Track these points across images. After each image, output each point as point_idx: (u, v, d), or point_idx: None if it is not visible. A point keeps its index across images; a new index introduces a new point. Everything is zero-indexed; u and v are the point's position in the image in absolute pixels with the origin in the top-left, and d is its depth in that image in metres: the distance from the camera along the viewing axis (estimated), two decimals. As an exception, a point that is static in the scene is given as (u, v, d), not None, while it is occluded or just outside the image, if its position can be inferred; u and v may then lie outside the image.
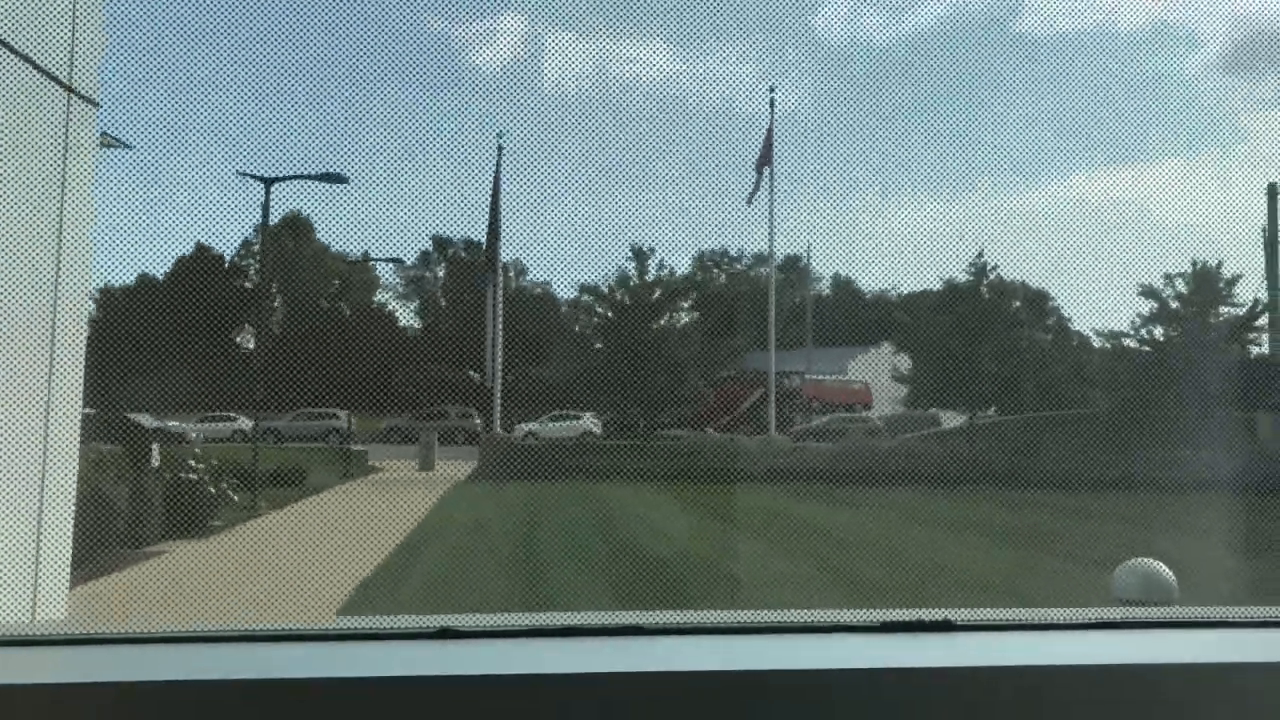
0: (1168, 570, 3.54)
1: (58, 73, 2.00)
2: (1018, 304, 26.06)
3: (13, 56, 1.85)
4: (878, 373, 29.56)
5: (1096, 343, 26.32)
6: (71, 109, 2.00)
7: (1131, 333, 23.97)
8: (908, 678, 0.98)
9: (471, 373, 28.98)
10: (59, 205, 1.92)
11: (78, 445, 2.09)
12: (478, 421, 27.81)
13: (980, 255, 25.07)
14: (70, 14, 2.01)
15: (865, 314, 45.57)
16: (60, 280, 1.93)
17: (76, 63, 2.02)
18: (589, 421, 28.31)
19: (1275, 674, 0.97)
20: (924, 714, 0.98)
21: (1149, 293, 23.84)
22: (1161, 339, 23.81)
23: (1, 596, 1.78)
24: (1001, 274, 25.38)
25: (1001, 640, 1.07)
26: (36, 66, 1.93)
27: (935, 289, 26.45)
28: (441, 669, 0.93)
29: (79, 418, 2.05)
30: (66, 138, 1.97)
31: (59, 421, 1.96)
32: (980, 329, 23.55)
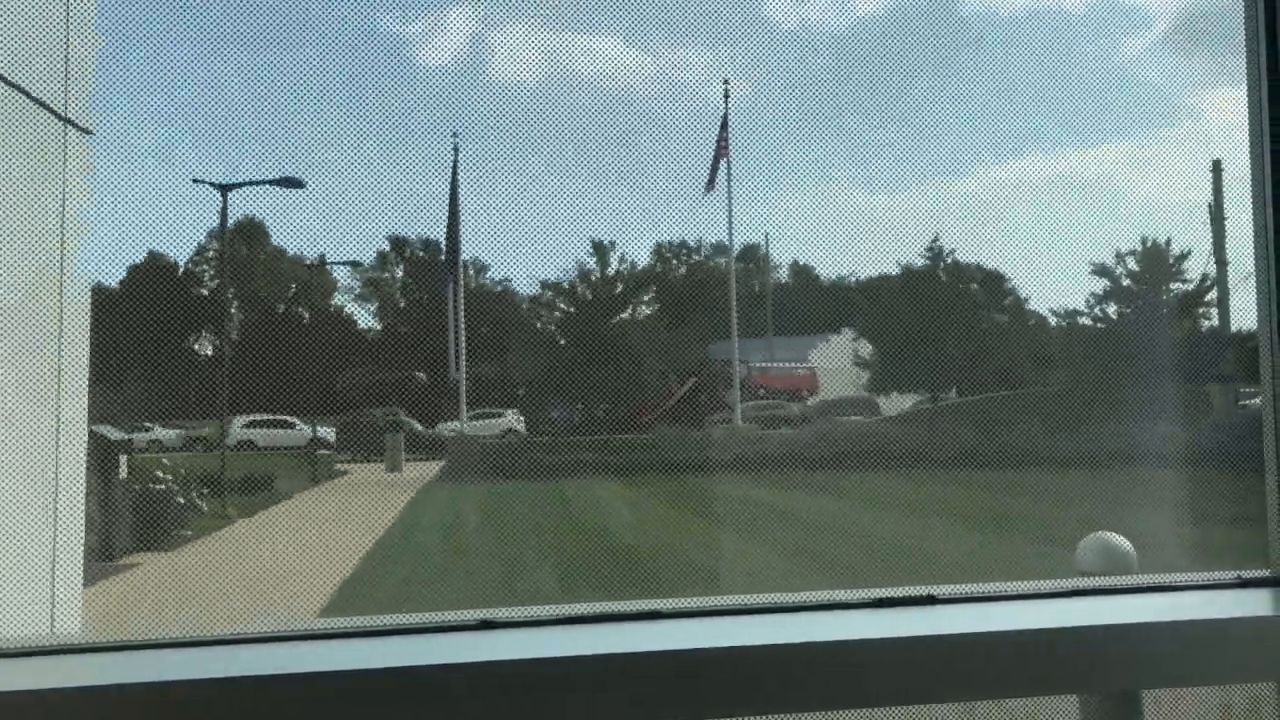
0: (1126, 542, 3.73)
1: (52, 102, 2.07)
2: (975, 286, 26.49)
3: (7, 88, 1.91)
4: (839, 358, 29.90)
5: (1053, 321, 26.85)
6: (68, 139, 2.07)
7: (1086, 311, 24.49)
8: (894, 647, 1.10)
9: (417, 373, 28.88)
10: (60, 237, 1.98)
11: (84, 461, 2.16)
12: (412, 422, 27.69)
13: (936, 239, 25.45)
14: (64, 42, 2.07)
15: (825, 301, 45.98)
16: (64, 304, 2.00)
17: (70, 91, 2.08)
18: (512, 419, 28.38)
19: (1217, 629, 1.10)
20: (910, 679, 1.09)
21: (1101, 271, 24.35)
22: (1115, 316, 24.35)
23: (22, 609, 1.85)
24: (958, 257, 25.78)
25: (980, 610, 1.19)
26: (31, 97, 1.99)
27: (894, 274, 26.80)
28: (483, 655, 1.03)
29: (85, 434, 2.13)
30: (65, 167, 2.04)
31: (68, 438, 2.03)
32: (939, 312, 23.95)
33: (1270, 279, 1.27)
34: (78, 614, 2.14)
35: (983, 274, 27.95)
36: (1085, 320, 24.27)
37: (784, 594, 1.24)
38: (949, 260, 24.96)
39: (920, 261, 24.85)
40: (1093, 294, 23.74)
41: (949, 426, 23.05)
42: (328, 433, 28.26)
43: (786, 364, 36.01)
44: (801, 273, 56.52)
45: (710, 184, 26.65)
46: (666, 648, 1.07)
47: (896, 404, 26.02)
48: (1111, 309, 23.80)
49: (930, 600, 1.18)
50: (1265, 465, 1.25)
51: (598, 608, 1.13)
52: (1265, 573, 1.24)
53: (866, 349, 25.94)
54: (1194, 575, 1.25)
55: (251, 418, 27.90)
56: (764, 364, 34.49)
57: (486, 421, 28.03)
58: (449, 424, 28.16)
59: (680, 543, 12.00)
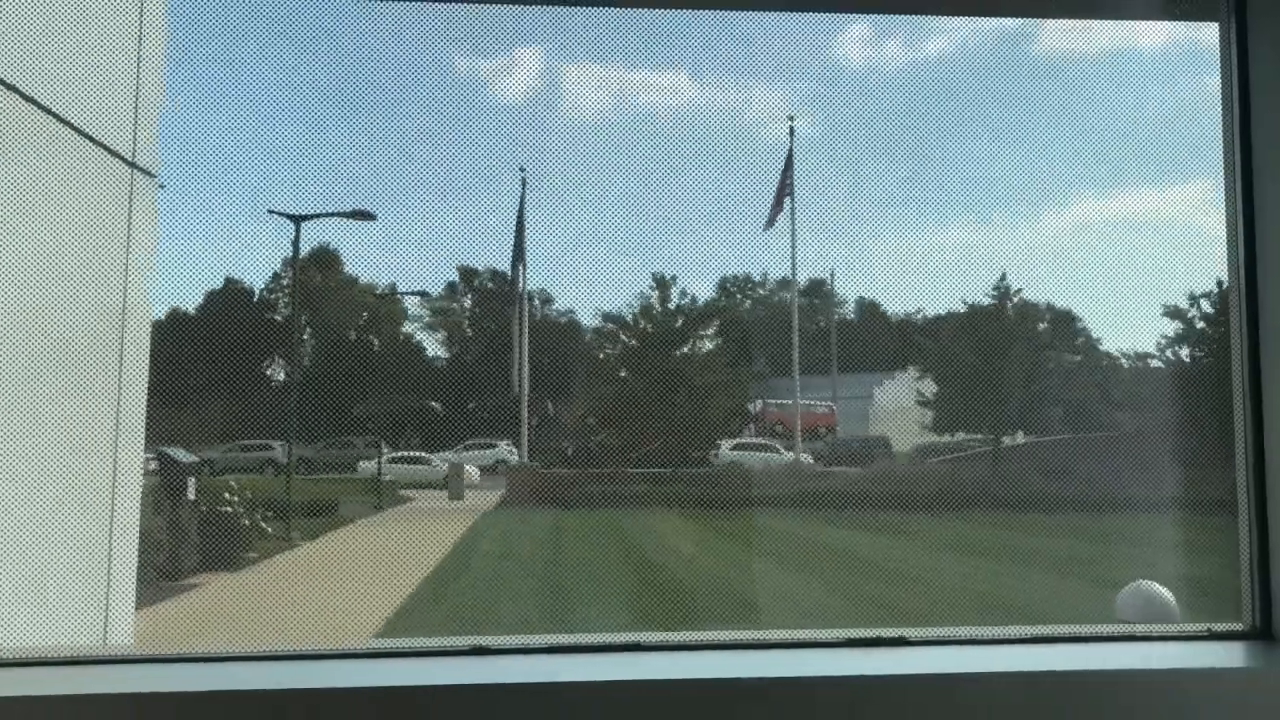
0: (1167, 592, 3.70)
1: (121, 149, 2.23)
2: (1043, 325, 26.06)
3: (81, 138, 2.07)
4: (902, 397, 29.56)
5: (1125, 364, 26.28)
6: (135, 182, 2.22)
7: (1157, 353, 23.94)
8: (866, 684, 1.16)
9: (432, 403, 29.20)
10: (123, 275, 2.13)
11: (140, 485, 2.30)
12: (388, 451, 27.91)
13: (1003, 278, 25.10)
14: (133, 92, 2.23)
15: (891, 339, 45.50)
16: (125, 337, 2.14)
17: (139, 138, 2.24)
18: (504, 450, 28.38)
19: (1180, 679, 1.14)
20: (882, 715, 1.15)
21: (1174, 313, 23.79)
22: (1187, 359, 23.76)
23: (76, 624, 1.97)
24: (1026, 296, 25.39)
25: (951, 653, 1.24)
26: (100, 144, 2.14)
27: (960, 311, 26.49)
28: (474, 679, 1.11)
29: (140, 458, 2.27)
30: (130, 208, 2.19)
31: (125, 462, 2.17)
32: (1004, 351, 23.59)
33: (1241, 345, 1.31)
34: (130, 628, 2.27)
35: (1052, 313, 27.54)
36: (1157, 363, 23.74)
37: (770, 631, 1.30)
38: (1016, 299, 24.64)
39: (987, 300, 24.56)
40: (1164, 336, 23.26)
41: (1014, 468, 22.66)
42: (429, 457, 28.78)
43: (805, 401, 35.66)
44: (868, 309, 56.05)
45: (770, 222, 26.62)
46: (647, 677, 1.15)
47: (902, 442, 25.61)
48: (1184, 352, 23.29)
49: (903, 641, 1.24)
50: (1238, 518, 1.28)
51: (584, 639, 1.21)
52: (1237, 626, 1.27)
53: (930, 388, 25.63)
54: (1166, 627, 1.28)
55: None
56: (781, 401, 34.21)
57: (479, 452, 28.16)
58: (445, 453, 28.41)
59: (732, 578, 11.95)
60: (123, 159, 2.16)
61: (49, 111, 1.78)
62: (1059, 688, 1.15)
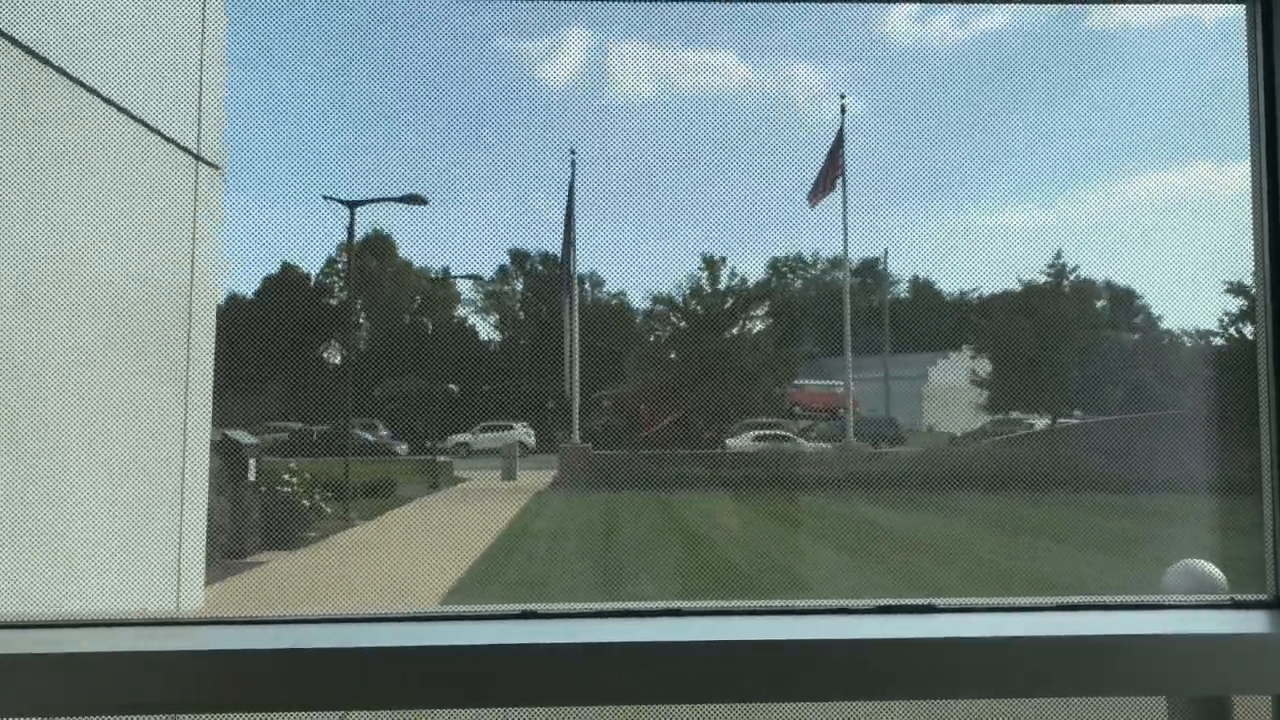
0: (1216, 570, 3.70)
1: (186, 142, 2.33)
2: (1102, 303, 25.66)
3: (148, 131, 2.17)
4: (956, 376, 29.28)
5: (1186, 342, 25.79)
6: (199, 174, 2.32)
7: (1220, 331, 23.45)
8: (894, 647, 1.22)
9: (450, 385, 29.51)
10: (190, 263, 2.23)
11: (207, 465, 2.42)
12: (384, 433, 28.20)
13: (1059, 255, 24.74)
14: (197, 87, 2.33)
15: (946, 318, 44.96)
16: (192, 322, 2.24)
17: (203, 131, 2.34)
18: (521, 432, 28.62)
19: (1205, 644, 1.18)
20: (910, 676, 1.21)
21: (1237, 289, 23.27)
22: (1251, 336, 23.23)
23: (150, 596, 2.09)
24: (1083, 273, 25.00)
25: (977, 619, 1.29)
26: (165, 138, 2.24)
27: (1016, 290, 26.16)
28: (524, 639, 1.19)
29: (208, 437, 2.38)
30: (196, 202, 2.29)
31: (194, 441, 2.28)
32: (1060, 330, 23.26)
33: (1266, 316, 1.33)
34: (199, 600, 2.39)
35: (1110, 291, 27.09)
36: (1219, 340, 23.25)
37: (802, 600, 1.36)
38: (1073, 277, 24.27)
39: (1042, 278, 24.23)
40: (1226, 313, 22.75)
41: (1070, 449, 22.38)
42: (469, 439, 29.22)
43: (823, 382, 35.44)
44: (922, 288, 55.41)
45: (815, 196, 26.34)
46: (687, 639, 1.22)
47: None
48: (1248, 329, 22.70)
49: (931, 609, 1.29)
50: (1262, 493, 1.31)
51: (625, 605, 1.29)
52: (1262, 596, 1.31)
53: (985, 367, 25.35)
54: (1190, 597, 1.33)
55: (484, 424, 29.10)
56: (800, 381, 34.04)
57: (496, 434, 28.46)
58: (457, 436, 28.77)
59: (783, 557, 11.99)
60: (189, 152, 2.26)
61: (119, 108, 1.88)
62: (1080, 650, 1.20)
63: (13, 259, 1.58)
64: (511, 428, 26.94)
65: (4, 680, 1.14)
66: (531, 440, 28.65)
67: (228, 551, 11.17)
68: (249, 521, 11.82)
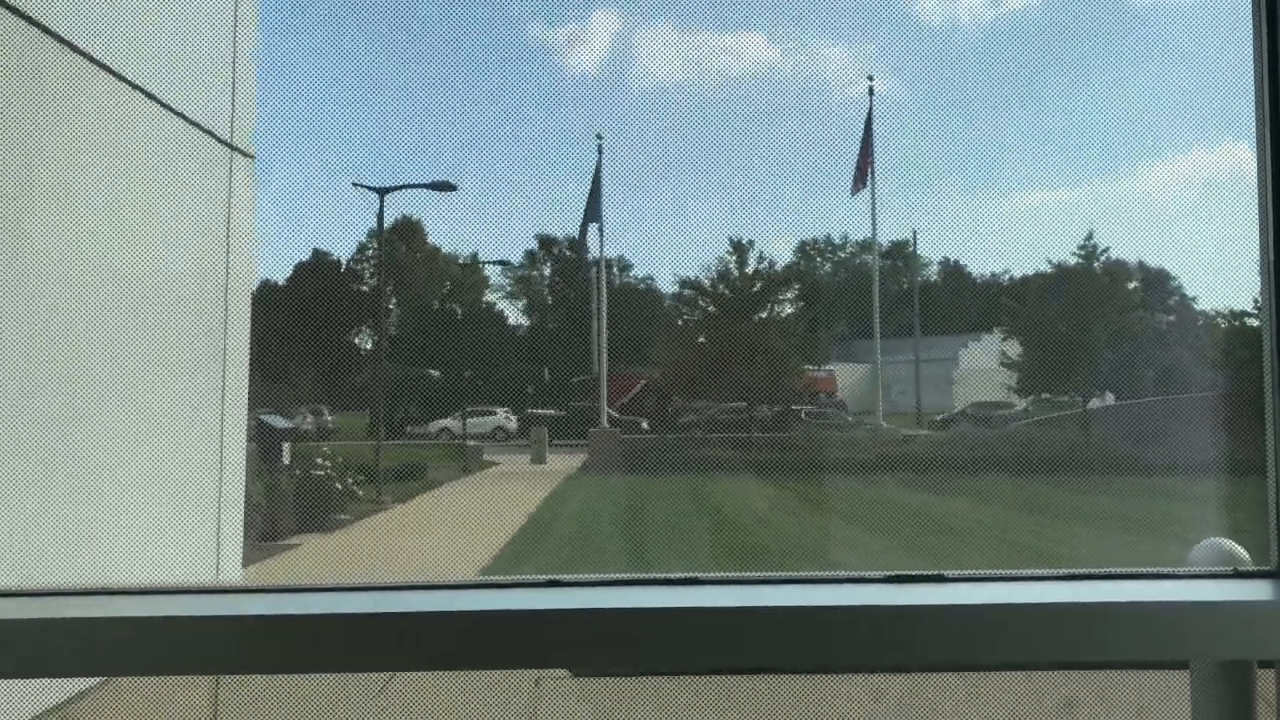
0: (1241, 549, 3.72)
1: (221, 132, 2.39)
2: (1134, 285, 25.40)
3: (183, 121, 2.24)
4: (986, 359, 29.10)
5: (1222, 324, 25.48)
6: (234, 163, 2.39)
7: (1255, 311, 23.15)
8: (905, 613, 1.26)
9: (430, 371, 29.72)
10: (225, 250, 2.30)
11: (244, 446, 2.49)
12: (327, 419, 28.29)
13: (1091, 236, 24.49)
14: (229, 78, 2.39)
15: (975, 300, 44.61)
16: (229, 308, 2.31)
17: (236, 119, 2.40)
18: (502, 417, 28.82)
19: (1207, 610, 1.22)
20: (919, 642, 1.26)
21: (1273, 270, 22.94)
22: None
23: (190, 574, 2.16)
24: (1115, 254, 24.74)
25: (985, 587, 1.33)
26: (200, 128, 2.31)
27: (1047, 271, 25.96)
28: (550, 605, 1.25)
29: (245, 417, 2.46)
30: (230, 190, 2.36)
31: (231, 420, 2.35)
32: (1092, 312, 23.04)
33: (1270, 278, 1.36)
34: (238, 572, 2.48)
35: (1144, 272, 26.79)
36: (1254, 321, 22.96)
37: (817, 572, 1.41)
38: (1104, 258, 24.01)
39: (1074, 259, 24.00)
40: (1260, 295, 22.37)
41: (1101, 431, 22.22)
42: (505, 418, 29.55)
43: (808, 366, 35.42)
44: (951, 270, 55.04)
45: (859, 184, 26.16)
46: (707, 605, 1.27)
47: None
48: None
49: (940, 578, 1.34)
50: (1267, 464, 1.34)
51: (647, 575, 1.34)
52: (1265, 567, 1.34)
53: (1015, 349, 25.16)
54: (1194, 568, 1.36)
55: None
56: (812, 366, 34.07)
57: (478, 419, 28.72)
58: (440, 421, 29.01)
59: (811, 540, 12.03)
60: (222, 141, 2.33)
61: (157, 100, 1.94)
62: (1086, 617, 1.24)
63: (59, 246, 1.65)
64: (494, 413, 27.21)
65: (57, 641, 1.21)
66: (513, 424, 28.95)
67: (263, 534, 11.36)
68: (284, 504, 12.00)
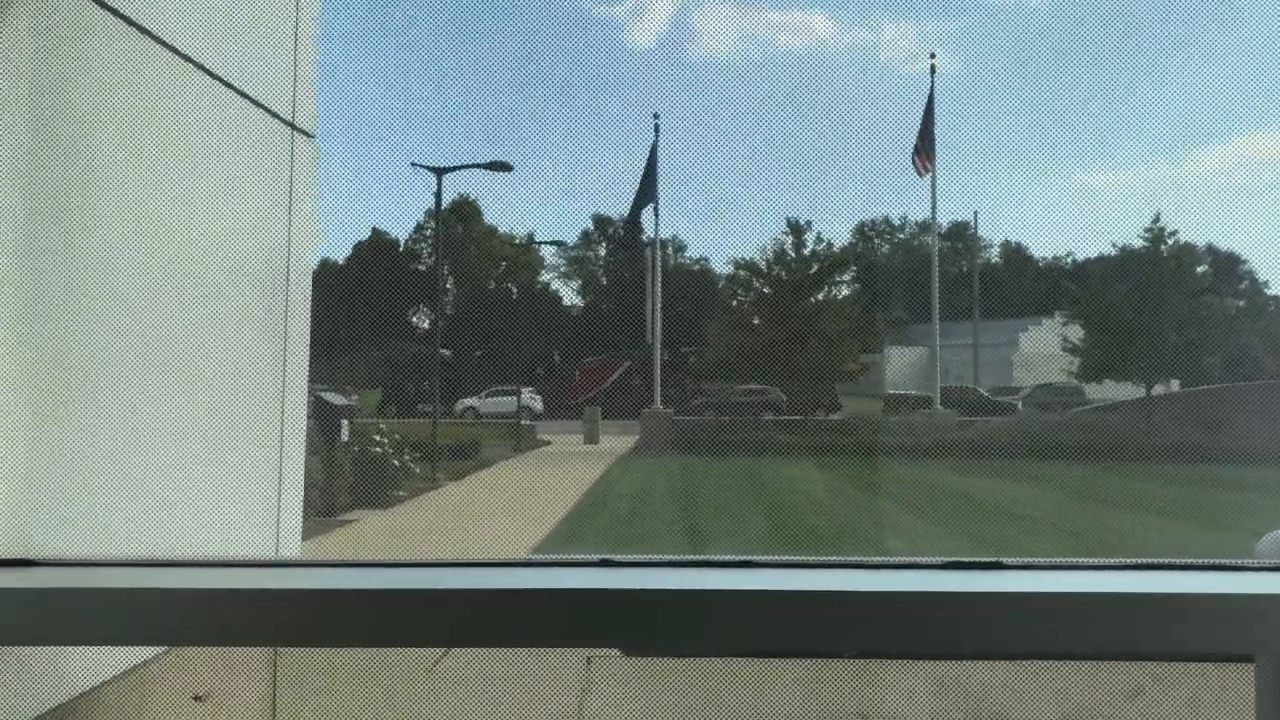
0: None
1: (281, 111, 2.42)
2: (1203, 268, 24.75)
3: (244, 101, 2.26)
4: (1047, 343, 28.60)
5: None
6: (294, 142, 2.41)
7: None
8: (961, 600, 1.25)
9: (443, 350, 29.99)
10: (286, 230, 2.33)
11: (305, 417, 2.53)
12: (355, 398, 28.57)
13: (1158, 219, 23.90)
14: (291, 56, 2.41)
15: (1037, 283, 43.80)
16: (290, 286, 2.34)
17: (297, 99, 2.42)
18: (527, 397, 28.85)
19: (1268, 604, 1.19)
20: (975, 630, 1.24)
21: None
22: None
23: (249, 549, 2.21)
24: (1183, 237, 24.11)
25: (1042, 575, 1.31)
26: (262, 107, 2.33)
27: (1111, 255, 25.48)
28: (601, 584, 1.26)
29: (305, 399, 2.49)
30: (292, 171, 2.38)
31: (292, 398, 2.39)
32: (1158, 296, 22.50)
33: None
34: (297, 548, 2.53)
35: (1213, 255, 26.12)
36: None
37: (872, 558, 1.40)
38: (1171, 241, 23.41)
39: (1140, 242, 23.44)
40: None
41: (1166, 418, 21.74)
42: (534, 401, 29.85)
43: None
44: (1013, 253, 54.02)
45: (924, 164, 25.58)
46: (760, 588, 1.27)
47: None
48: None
49: (999, 565, 1.32)
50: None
51: (699, 557, 1.34)
52: (1327, 560, 1.31)
53: (1076, 334, 24.65)
54: (1249, 560, 1.33)
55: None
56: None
57: (502, 399, 28.93)
58: (465, 400, 29.23)
59: (864, 526, 11.93)
60: (284, 121, 2.35)
61: (219, 78, 1.97)
62: (1147, 608, 1.21)
63: (123, 227, 1.68)
64: (518, 393, 27.53)
65: (128, 611, 1.25)
66: (538, 405, 29.19)
67: (320, 510, 11.56)
68: (341, 481, 12.20)
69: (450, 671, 1.94)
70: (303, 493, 2.54)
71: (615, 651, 1.93)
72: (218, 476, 1.98)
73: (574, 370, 31.70)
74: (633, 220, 26.00)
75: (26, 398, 1.44)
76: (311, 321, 2.41)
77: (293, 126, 2.40)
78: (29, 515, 1.45)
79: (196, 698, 1.71)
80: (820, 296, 26.60)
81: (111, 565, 1.38)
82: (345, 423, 12.83)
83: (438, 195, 21.31)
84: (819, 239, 26.91)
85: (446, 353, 28.92)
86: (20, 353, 1.43)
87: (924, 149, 25.29)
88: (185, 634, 1.28)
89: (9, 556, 1.36)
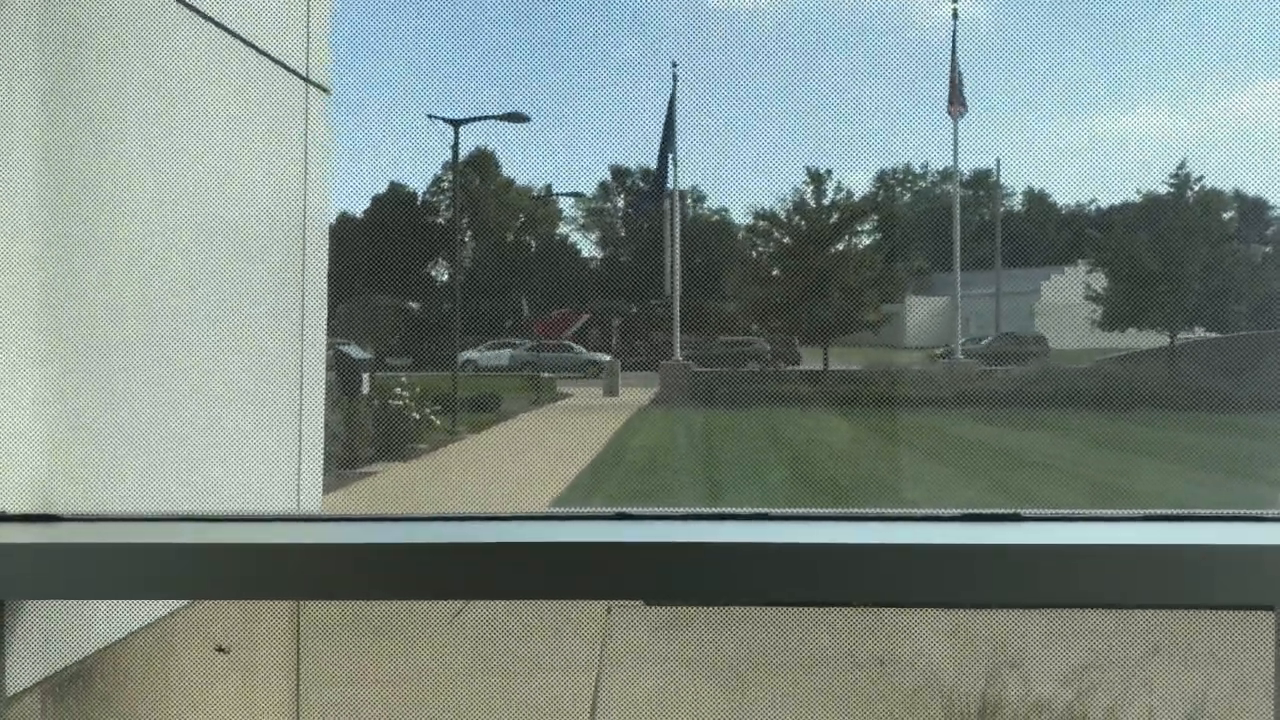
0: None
1: (295, 65, 2.40)
2: (1229, 215, 24.37)
3: (256, 54, 2.24)
4: (1070, 293, 28.33)
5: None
6: (310, 98, 2.39)
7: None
8: (979, 552, 1.25)
9: (410, 303, 29.84)
10: (302, 184, 2.32)
11: (323, 371, 2.54)
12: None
13: (1183, 165, 23.51)
14: (305, 11, 2.38)
15: (1060, 232, 43.31)
16: (306, 240, 2.34)
17: (311, 53, 2.41)
18: (523, 351, 29.10)
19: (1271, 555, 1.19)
20: (994, 582, 1.24)
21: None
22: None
23: (270, 503, 2.23)
24: (1209, 184, 23.72)
25: (1063, 528, 1.31)
26: (277, 61, 2.31)
27: (1135, 201, 25.11)
28: (618, 537, 1.26)
29: (323, 350, 2.50)
30: (307, 125, 2.36)
31: (310, 353, 2.40)
32: (1183, 244, 22.20)
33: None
34: (318, 501, 2.55)
35: (1240, 201, 25.68)
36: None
37: (892, 510, 1.40)
38: (1197, 187, 23.03)
39: (1164, 189, 23.09)
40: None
41: (1191, 366, 21.57)
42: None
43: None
44: (1035, 201, 53.37)
45: (956, 105, 25.15)
46: (775, 540, 1.27)
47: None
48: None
49: (1017, 517, 1.31)
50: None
51: (715, 510, 1.34)
52: (1343, 511, 1.29)
53: (1101, 283, 24.37)
54: (1266, 510, 1.32)
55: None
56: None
57: (500, 352, 29.20)
58: (465, 353, 29.39)
59: (884, 475, 11.94)
60: (298, 75, 2.33)
61: (231, 32, 1.95)
62: (1166, 559, 1.21)
63: (143, 181, 1.68)
64: (514, 345, 27.73)
65: (153, 564, 1.26)
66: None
67: (342, 462, 11.67)
68: (362, 433, 12.30)
69: (471, 623, 1.97)
70: (323, 446, 2.55)
71: (636, 602, 1.96)
72: (240, 432, 1.99)
73: (534, 321, 31.84)
74: (659, 174, 25.83)
75: (50, 354, 1.45)
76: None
77: (307, 80, 2.38)
78: (53, 470, 1.46)
79: (219, 649, 1.74)
80: (840, 247, 26.38)
81: (134, 520, 1.39)
82: (366, 375, 12.91)
83: (455, 148, 21.23)
84: (839, 188, 26.63)
85: (414, 305, 28.95)
86: (46, 309, 1.44)
87: (955, 97, 25.04)
88: (208, 588, 1.30)
89: (33, 511, 1.38)
